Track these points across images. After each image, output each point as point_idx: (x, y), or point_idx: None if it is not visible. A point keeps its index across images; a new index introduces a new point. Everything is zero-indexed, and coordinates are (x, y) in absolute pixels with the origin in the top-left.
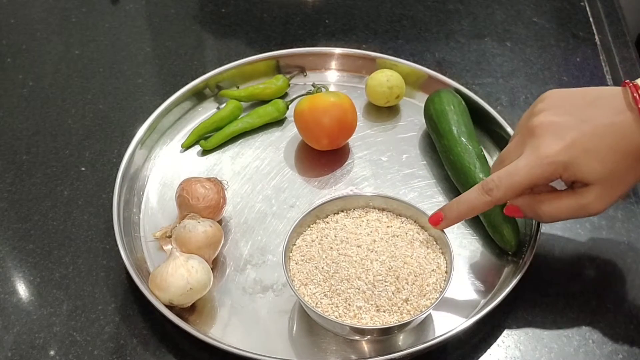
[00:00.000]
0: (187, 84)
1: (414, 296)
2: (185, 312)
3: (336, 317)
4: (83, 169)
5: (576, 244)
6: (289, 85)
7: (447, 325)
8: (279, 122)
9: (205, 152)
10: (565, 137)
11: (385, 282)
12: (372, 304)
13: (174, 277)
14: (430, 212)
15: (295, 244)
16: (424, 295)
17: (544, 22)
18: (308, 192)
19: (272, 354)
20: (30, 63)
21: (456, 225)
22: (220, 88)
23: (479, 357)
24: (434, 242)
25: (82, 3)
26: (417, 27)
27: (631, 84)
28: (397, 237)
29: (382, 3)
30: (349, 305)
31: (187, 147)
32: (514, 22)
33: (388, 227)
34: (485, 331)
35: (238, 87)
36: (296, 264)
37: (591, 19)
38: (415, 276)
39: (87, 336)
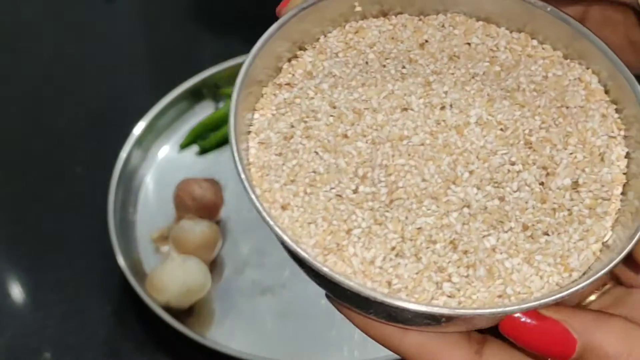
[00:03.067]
0: (183, 83)
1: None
2: (183, 314)
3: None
4: (78, 169)
5: None
6: None
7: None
8: None
9: (203, 152)
10: None
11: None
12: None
13: (170, 278)
14: None
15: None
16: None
17: None
18: None
19: (272, 356)
20: (22, 63)
21: None
22: (218, 87)
23: None
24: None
25: (76, 2)
26: None
27: None
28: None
29: None
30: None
31: (184, 146)
32: None
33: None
34: None
35: None
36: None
37: None
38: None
39: (82, 339)
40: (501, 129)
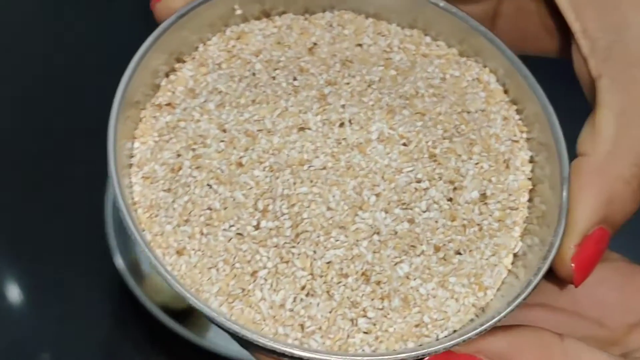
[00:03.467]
0: None
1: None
2: (181, 315)
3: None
4: (76, 170)
5: None
6: None
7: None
8: None
9: None
10: None
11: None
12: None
13: None
14: None
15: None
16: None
17: None
18: None
19: None
20: (22, 63)
21: None
22: None
23: None
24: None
25: (76, 1)
26: None
27: None
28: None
29: None
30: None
31: None
32: None
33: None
34: None
35: None
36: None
37: None
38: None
39: (80, 340)
40: (404, 144)
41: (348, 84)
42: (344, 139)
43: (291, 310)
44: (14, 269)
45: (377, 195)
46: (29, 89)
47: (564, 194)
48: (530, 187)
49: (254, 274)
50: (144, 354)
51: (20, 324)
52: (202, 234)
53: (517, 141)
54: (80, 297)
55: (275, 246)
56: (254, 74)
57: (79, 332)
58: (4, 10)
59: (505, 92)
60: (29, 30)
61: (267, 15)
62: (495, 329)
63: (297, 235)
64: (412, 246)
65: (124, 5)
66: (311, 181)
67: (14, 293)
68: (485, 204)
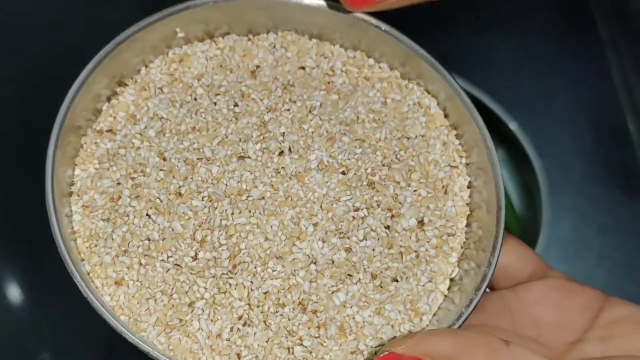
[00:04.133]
0: None
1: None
2: None
3: None
4: None
5: None
6: None
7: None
8: None
9: None
10: None
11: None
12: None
13: None
14: None
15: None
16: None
17: (549, 15)
18: None
19: None
20: (19, 60)
21: None
22: None
23: None
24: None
25: (76, 1)
26: (419, 21)
27: None
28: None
29: None
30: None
31: None
32: (517, 16)
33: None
34: None
35: None
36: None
37: (595, 11)
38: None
39: (80, 340)
40: (343, 172)
41: (288, 110)
42: (283, 167)
43: (228, 339)
44: (14, 268)
45: (315, 225)
46: (30, 89)
47: (501, 218)
48: (468, 212)
49: (191, 304)
50: (142, 354)
51: (20, 322)
52: (140, 264)
53: (456, 167)
54: (81, 297)
55: (213, 277)
56: (195, 99)
57: (79, 331)
58: (4, 9)
59: (446, 116)
60: (30, 29)
61: (211, 36)
62: (441, 330)
63: (235, 266)
64: (349, 275)
65: (125, 6)
66: (249, 211)
67: (13, 292)
68: (423, 230)
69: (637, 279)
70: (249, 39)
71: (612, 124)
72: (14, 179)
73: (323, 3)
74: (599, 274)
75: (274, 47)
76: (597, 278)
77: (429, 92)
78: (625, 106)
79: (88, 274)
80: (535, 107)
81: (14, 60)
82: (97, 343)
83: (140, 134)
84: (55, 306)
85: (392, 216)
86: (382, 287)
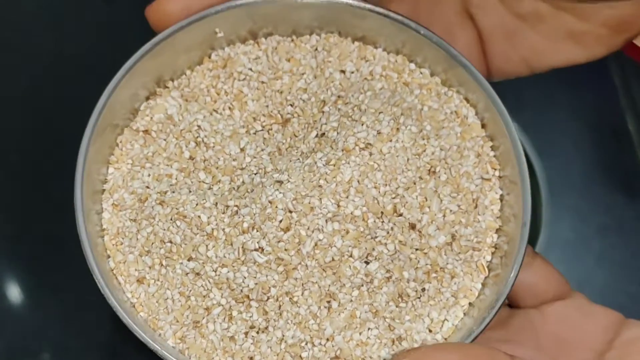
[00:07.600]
0: None
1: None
2: None
3: None
4: (74, 168)
5: None
6: None
7: None
8: None
9: None
10: None
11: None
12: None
13: None
14: None
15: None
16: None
17: None
18: None
19: None
20: (21, 62)
21: None
22: None
23: None
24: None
25: (76, 1)
26: None
27: None
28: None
29: None
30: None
31: None
32: None
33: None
34: None
35: None
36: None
37: None
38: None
39: (82, 341)
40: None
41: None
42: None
43: (241, 346)
44: (15, 269)
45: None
46: (30, 89)
47: (524, 235)
48: (497, 227)
49: (208, 309)
50: (144, 355)
51: (22, 324)
52: (161, 265)
53: (488, 179)
54: (81, 297)
55: (231, 289)
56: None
57: (81, 332)
58: (3, 9)
59: (483, 126)
60: (30, 29)
61: (255, 36)
62: (447, 344)
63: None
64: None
65: (125, 7)
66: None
67: (15, 293)
68: (450, 245)
69: (637, 279)
70: (292, 40)
71: (613, 125)
72: (17, 180)
73: (373, 7)
74: (599, 274)
75: (316, 49)
76: (597, 278)
77: (468, 101)
78: (625, 107)
79: (112, 270)
80: (535, 108)
81: (14, 60)
82: (98, 344)
83: (175, 139)
84: (56, 307)
85: (419, 231)
86: (402, 299)
